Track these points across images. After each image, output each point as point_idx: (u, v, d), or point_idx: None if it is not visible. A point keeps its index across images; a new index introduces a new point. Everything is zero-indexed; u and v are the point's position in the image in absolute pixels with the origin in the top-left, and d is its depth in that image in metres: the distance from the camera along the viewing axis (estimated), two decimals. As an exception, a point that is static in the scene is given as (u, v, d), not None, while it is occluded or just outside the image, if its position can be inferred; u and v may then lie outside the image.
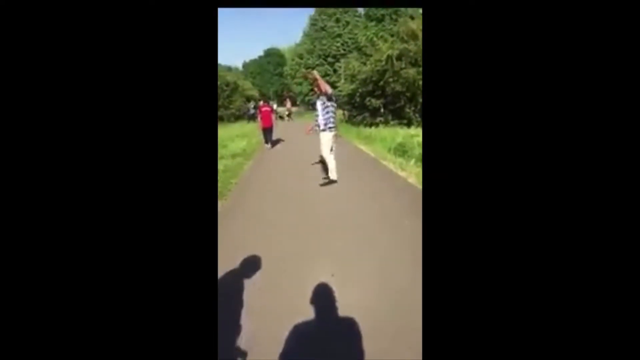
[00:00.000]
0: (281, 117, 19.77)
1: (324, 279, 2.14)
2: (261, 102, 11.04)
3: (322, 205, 3.79)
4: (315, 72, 4.48)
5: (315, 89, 4.35)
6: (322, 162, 4.80)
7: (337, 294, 1.97)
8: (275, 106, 17.89)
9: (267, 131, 9.26)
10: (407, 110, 11.00)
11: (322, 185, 4.56)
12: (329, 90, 4.30)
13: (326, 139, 4.47)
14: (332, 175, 4.61)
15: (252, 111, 19.92)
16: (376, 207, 3.57)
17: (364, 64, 12.30)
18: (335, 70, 30.25)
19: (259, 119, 9.84)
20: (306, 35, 27.67)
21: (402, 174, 5.14)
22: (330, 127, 4.42)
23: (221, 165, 6.38)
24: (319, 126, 4.51)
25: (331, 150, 4.56)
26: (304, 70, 28.69)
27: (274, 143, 9.57)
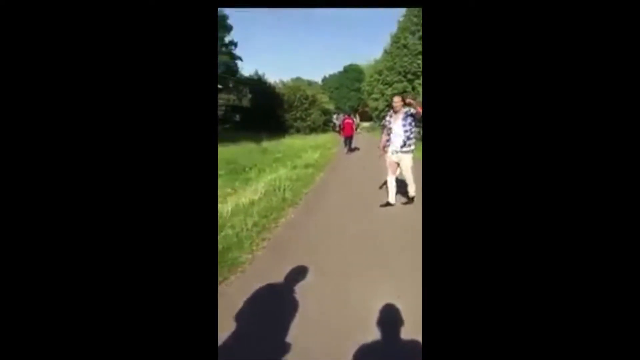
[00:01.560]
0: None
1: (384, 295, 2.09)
2: (345, 115, 13.68)
3: (390, 220, 3.73)
4: (410, 99, 4.19)
5: (412, 109, 3.95)
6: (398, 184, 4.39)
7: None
8: (357, 119, 18.06)
9: (348, 139, 11.29)
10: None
11: (382, 206, 4.34)
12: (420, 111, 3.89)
13: (407, 161, 4.12)
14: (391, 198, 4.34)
15: (336, 122, 20.90)
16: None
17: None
18: (414, 88, 29.65)
19: (342, 128, 11.98)
20: (387, 52, 27.65)
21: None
22: (409, 148, 4.06)
23: (294, 174, 6.65)
24: (396, 145, 4.12)
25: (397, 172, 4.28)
26: (381, 86, 28.67)
27: (351, 150, 11.23)
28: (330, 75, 44.49)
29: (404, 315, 1.91)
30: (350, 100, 39.49)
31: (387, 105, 30.17)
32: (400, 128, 4.04)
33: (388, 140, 4.27)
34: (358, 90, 37.94)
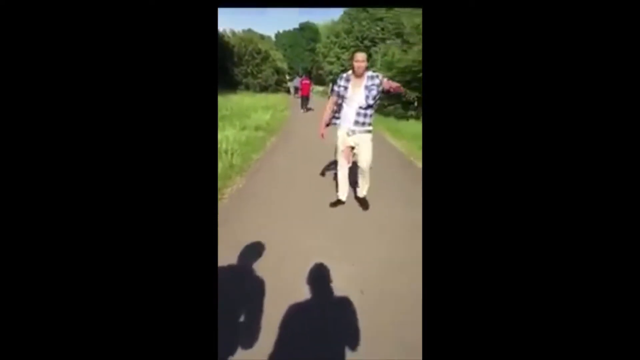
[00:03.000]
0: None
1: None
2: (304, 77, 14.77)
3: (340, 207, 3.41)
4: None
5: (377, 75, 2.70)
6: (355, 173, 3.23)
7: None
8: (313, 83, 17.97)
9: (304, 99, 12.79)
10: (443, 108, 10.34)
11: (332, 205, 3.16)
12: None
13: (366, 144, 2.88)
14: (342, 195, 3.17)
15: (291, 86, 21.64)
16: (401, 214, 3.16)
17: (405, 51, 11.59)
18: (370, 55, 29.27)
19: (300, 88, 13.49)
20: (346, 13, 26.58)
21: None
22: (369, 127, 2.85)
23: (243, 136, 6.02)
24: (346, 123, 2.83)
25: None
26: (338, 49, 27.82)
27: (307, 110, 12.58)
28: (285, 32, 42.22)
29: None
30: (304, 60, 38.07)
31: (343, 70, 29.72)
32: (361, 97, 2.66)
33: (337, 113, 2.87)
34: (313, 50, 36.62)
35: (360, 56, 2.66)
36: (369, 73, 2.72)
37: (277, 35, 42.57)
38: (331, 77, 25.33)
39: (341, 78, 2.83)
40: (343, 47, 29.29)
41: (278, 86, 22.90)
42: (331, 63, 29.58)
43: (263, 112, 9.80)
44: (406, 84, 11.24)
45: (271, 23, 68.40)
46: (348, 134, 2.86)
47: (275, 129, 7.96)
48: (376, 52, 29.48)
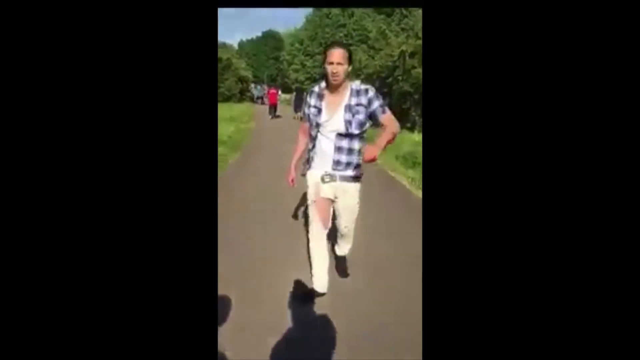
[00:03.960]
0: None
1: None
2: (271, 86, 16.39)
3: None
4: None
5: (363, 86, 1.67)
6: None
7: None
8: (280, 92, 18.42)
9: (272, 107, 13.94)
10: (413, 113, 10.07)
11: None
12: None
13: (351, 199, 1.80)
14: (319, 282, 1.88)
15: (255, 93, 22.16)
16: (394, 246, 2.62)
17: (372, 57, 11.27)
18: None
19: (267, 98, 14.93)
20: (309, 21, 26.33)
21: (420, 194, 4.21)
22: (357, 172, 1.76)
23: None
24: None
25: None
26: (302, 57, 27.45)
27: (275, 117, 13.67)
28: (247, 40, 41.48)
29: None
30: (269, 69, 37.47)
31: (308, 78, 29.45)
32: (340, 123, 1.64)
33: (311, 150, 1.80)
34: (277, 59, 36.14)
35: (337, 53, 1.54)
36: (354, 85, 1.64)
37: (240, 43, 41.71)
38: (296, 85, 24.92)
39: (312, 94, 1.76)
40: (307, 54, 29.02)
41: (242, 95, 22.08)
42: (296, 71, 29.17)
43: (225, 124, 9.07)
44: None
45: (233, 31, 67.09)
46: (324, 180, 1.72)
47: (238, 143, 7.27)
48: (341, 58, 29.43)
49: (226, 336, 1.48)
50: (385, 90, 10.60)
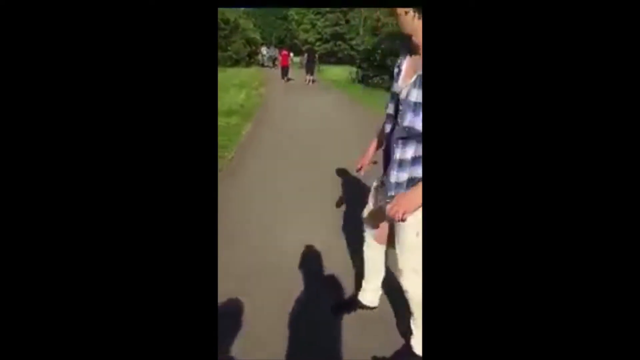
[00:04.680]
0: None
1: None
2: (283, 49, 16.53)
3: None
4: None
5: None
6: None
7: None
8: (292, 55, 17.72)
9: (284, 69, 14.03)
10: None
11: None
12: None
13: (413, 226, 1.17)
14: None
15: (265, 54, 21.68)
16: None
17: (392, 15, 10.33)
18: (347, 21, 27.51)
19: (280, 60, 15.38)
20: (319, -25, 24.55)
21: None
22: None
23: (212, 126, 4.88)
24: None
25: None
26: (312, 15, 26.00)
27: (288, 80, 13.65)
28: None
29: None
30: (277, 29, 35.78)
31: (319, 39, 27.98)
32: (415, 121, 1.08)
33: (387, 149, 1.25)
34: (285, 18, 34.36)
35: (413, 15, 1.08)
36: (416, 75, 1.10)
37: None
38: (307, 46, 23.72)
39: (398, 68, 1.24)
40: (318, 13, 27.42)
41: (251, 59, 21.14)
42: (306, 31, 27.75)
43: (236, 91, 8.55)
44: (395, 52, 10.12)
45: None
46: (382, 189, 1.30)
47: (250, 112, 6.79)
48: (353, 17, 27.77)
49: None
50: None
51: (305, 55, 15.25)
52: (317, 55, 17.98)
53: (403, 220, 1.11)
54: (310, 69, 13.90)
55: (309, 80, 13.64)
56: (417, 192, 1.10)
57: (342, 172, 3.40)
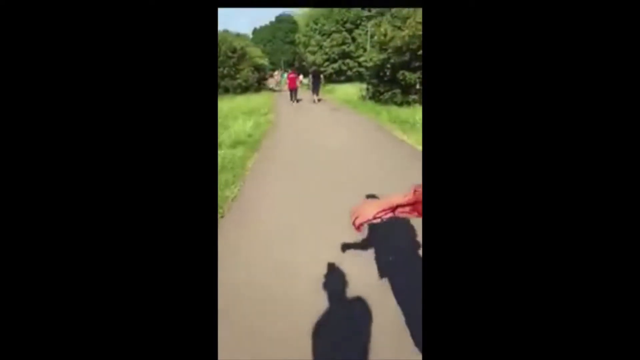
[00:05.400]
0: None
1: None
2: (291, 71, 16.94)
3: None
4: None
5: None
6: None
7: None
8: (301, 77, 18.57)
9: (293, 91, 14.24)
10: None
11: None
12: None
13: None
14: None
15: (275, 77, 22.34)
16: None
17: (398, 28, 9.99)
18: (354, 39, 27.57)
19: (287, 82, 15.13)
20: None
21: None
22: None
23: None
24: None
25: None
26: (319, 37, 26.23)
27: (297, 101, 13.98)
28: (261, 27, 40.31)
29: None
30: (285, 54, 36.36)
31: (327, 60, 28.09)
32: None
33: None
34: (292, 42, 34.90)
35: None
36: None
37: (255, 31, 40.62)
38: (313, 67, 23.75)
39: None
40: (324, 34, 27.62)
41: (260, 85, 21.24)
42: (313, 53, 27.93)
43: (244, 119, 8.29)
44: (405, 65, 9.74)
45: (246, 21, 65.11)
46: None
47: (257, 139, 6.47)
48: (360, 34, 27.80)
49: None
50: (417, 64, 9.41)
51: (310, 76, 15.78)
52: (322, 76, 18.25)
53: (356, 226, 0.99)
54: (316, 89, 14.47)
55: (316, 100, 14.10)
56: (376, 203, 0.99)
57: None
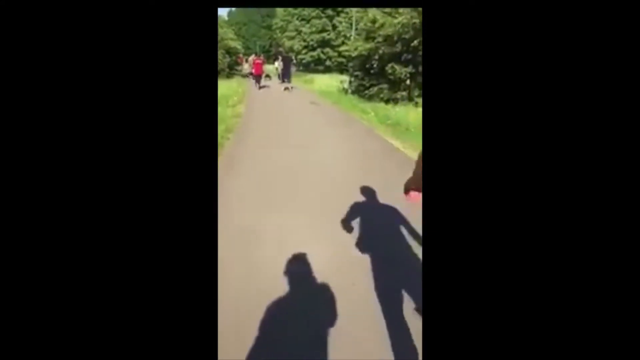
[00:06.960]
0: (267, 76, 16.02)
1: None
2: (254, 56, 15.93)
3: None
4: None
5: None
6: None
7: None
8: (277, 63, 16.68)
9: (257, 77, 13.63)
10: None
11: None
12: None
13: None
14: None
15: (245, 66, 19.94)
16: None
17: (390, 15, 8.87)
18: (334, 26, 26.24)
19: (252, 67, 14.16)
20: (303, -20, 23.23)
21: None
22: None
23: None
24: None
25: None
26: (297, 22, 24.69)
27: (261, 87, 13.41)
28: (237, 10, 37.98)
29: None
30: (261, 38, 34.48)
31: (305, 47, 26.63)
32: None
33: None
34: (269, 27, 33.05)
35: None
36: None
37: (230, 13, 38.25)
38: (292, 53, 22.25)
39: None
40: (303, 19, 26.10)
41: (232, 70, 19.57)
42: (291, 38, 26.37)
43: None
44: (395, 57, 8.66)
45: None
46: None
47: (221, 143, 5.19)
48: (341, 22, 26.51)
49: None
50: (408, 57, 8.36)
51: (280, 60, 14.38)
52: (294, 60, 16.82)
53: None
54: (286, 75, 13.26)
55: (289, 87, 12.84)
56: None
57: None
